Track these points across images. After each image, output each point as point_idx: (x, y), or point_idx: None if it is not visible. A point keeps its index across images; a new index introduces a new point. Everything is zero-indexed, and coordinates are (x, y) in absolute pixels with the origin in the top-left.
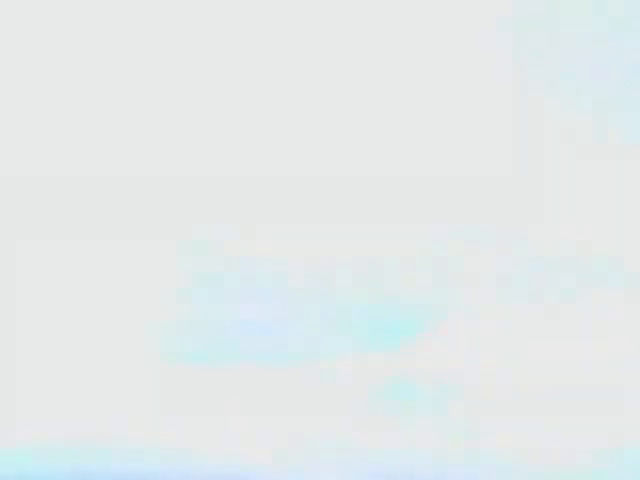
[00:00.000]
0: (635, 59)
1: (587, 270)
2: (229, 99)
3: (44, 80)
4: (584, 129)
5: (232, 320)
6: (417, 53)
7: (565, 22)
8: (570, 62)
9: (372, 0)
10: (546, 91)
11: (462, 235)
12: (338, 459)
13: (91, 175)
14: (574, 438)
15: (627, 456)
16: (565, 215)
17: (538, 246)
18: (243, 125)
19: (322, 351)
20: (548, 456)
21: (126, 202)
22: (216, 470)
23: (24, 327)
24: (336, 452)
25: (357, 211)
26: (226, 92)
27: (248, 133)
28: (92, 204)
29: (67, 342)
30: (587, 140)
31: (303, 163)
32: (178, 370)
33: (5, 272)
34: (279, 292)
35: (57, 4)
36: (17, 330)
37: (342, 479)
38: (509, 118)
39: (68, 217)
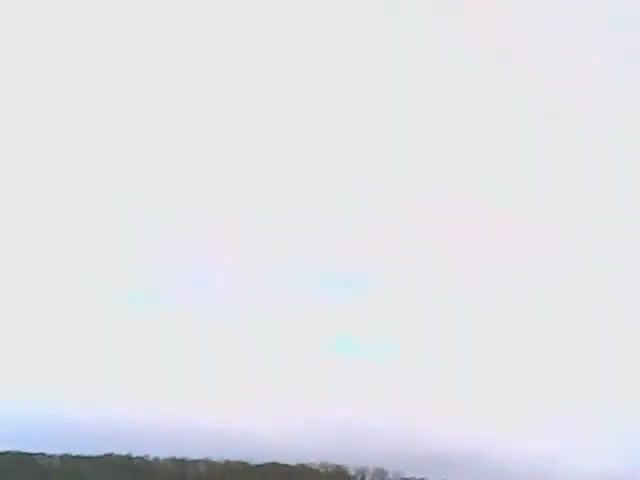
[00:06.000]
0: None
1: None
2: None
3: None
4: None
5: (183, 269)
6: None
7: None
8: None
9: None
10: None
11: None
12: (286, 405)
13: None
14: (499, 389)
15: None
16: None
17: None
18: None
19: (275, 304)
20: (485, 402)
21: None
22: (162, 412)
23: None
24: (285, 399)
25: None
26: None
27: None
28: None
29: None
30: None
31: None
32: (126, 313)
33: None
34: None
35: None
36: None
37: (289, 424)
38: None
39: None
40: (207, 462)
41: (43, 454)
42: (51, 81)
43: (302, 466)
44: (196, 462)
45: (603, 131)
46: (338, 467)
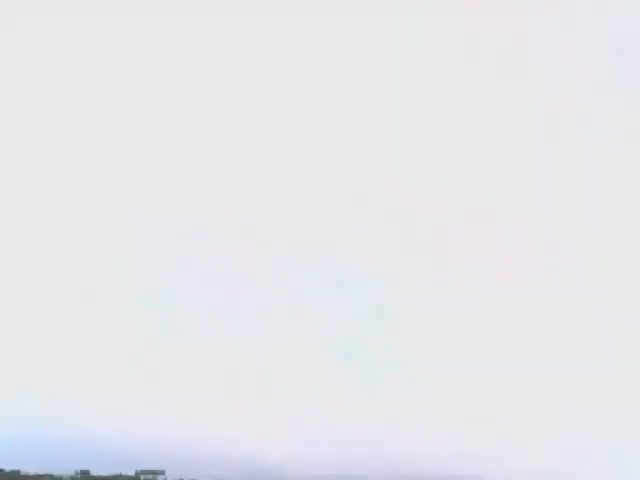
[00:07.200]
0: None
1: None
2: None
3: None
4: None
5: (193, 276)
6: None
7: None
8: None
9: None
10: None
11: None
12: (298, 422)
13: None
14: (506, 408)
15: None
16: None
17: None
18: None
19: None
20: (488, 419)
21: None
22: (171, 432)
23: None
24: (296, 414)
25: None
26: None
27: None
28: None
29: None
30: None
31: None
32: (141, 336)
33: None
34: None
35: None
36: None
37: (301, 439)
38: None
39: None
40: None
41: (51, 475)
42: (55, 84)
43: None
44: None
45: (605, 134)
46: None
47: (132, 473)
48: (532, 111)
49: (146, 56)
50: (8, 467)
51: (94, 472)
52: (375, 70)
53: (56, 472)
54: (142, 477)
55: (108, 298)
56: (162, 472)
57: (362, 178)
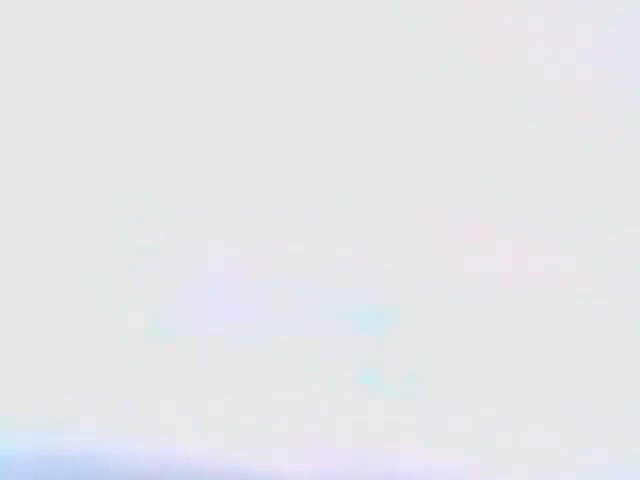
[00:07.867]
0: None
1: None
2: None
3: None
4: None
5: (200, 301)
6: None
7: None
8: None
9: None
10: None
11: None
12: (311, 444)
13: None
14: (533, 417)
15: None
16: None
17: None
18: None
19: (296, 335)
20: (514, 437)
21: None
22: (192, 455)
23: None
24: (309, 436)
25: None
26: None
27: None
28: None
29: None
30: None
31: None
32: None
33: None
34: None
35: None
36: None
37: (316, 464)
38: None
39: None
40: None
41: None
42: (51, 78)
43: None
44: None
45: (607, 135)
46: None
47: None
48: (531, 109)
49: (145, 52)
50: None
51: None
52: (370, 63)
53: None
54: None
55: (106, 304)
56: None
57: (390, 206)
